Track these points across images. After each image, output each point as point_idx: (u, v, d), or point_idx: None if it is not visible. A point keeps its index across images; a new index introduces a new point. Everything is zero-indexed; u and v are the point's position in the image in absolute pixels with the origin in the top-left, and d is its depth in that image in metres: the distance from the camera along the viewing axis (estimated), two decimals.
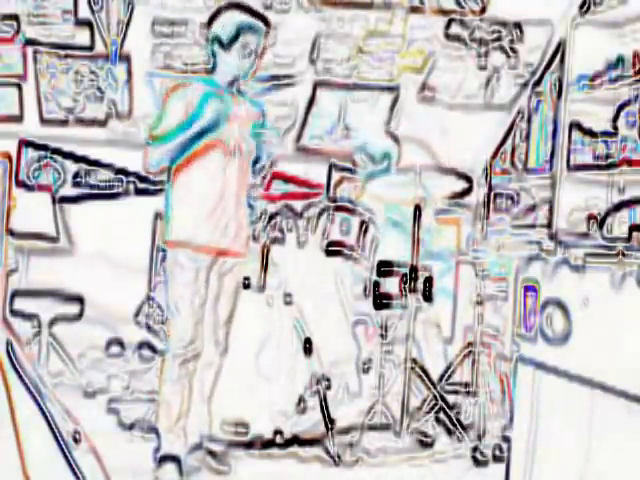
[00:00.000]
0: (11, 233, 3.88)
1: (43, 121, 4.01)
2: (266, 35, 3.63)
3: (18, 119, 3.99)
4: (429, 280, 3.96)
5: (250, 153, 3.66)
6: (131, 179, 4.06)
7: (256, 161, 3.79)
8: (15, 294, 3.92)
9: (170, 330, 3.56)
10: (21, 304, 3.92)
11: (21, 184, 3.98)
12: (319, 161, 4.22)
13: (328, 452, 3.75)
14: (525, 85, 4.26)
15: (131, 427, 3.81)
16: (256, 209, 3.87)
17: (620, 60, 3.82)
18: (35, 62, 3.97)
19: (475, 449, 3.88)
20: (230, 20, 3.56)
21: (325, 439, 3.78)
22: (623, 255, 3.11)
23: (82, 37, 3.98)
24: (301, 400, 3.92)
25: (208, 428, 3.69)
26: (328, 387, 3.92)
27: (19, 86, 3.98)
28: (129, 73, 4.01)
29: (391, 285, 3.97)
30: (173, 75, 3.97)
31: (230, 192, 3.54)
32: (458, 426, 3.99)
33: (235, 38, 3.51)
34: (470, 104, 4.25)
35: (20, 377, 3.63)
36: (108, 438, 3.64)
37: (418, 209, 3.95)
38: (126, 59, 4.00)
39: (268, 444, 3.83)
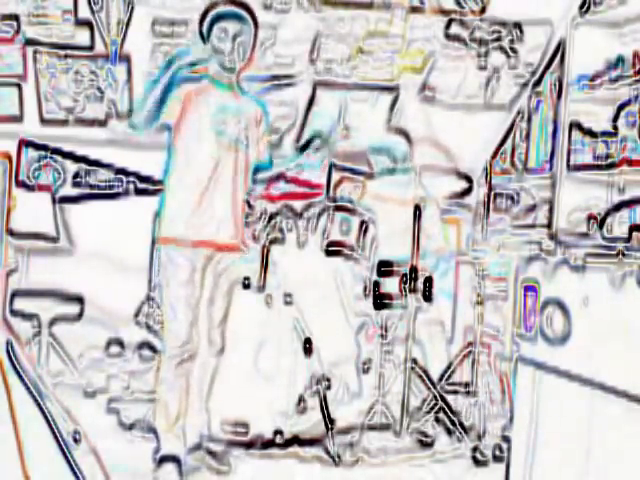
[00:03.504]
0: (11, 233, 3.89)
1: (43, 121, 4.01)
2: (255, 26, 3.66)
3: (18, 119, 3.99)
4: (429, 280, 3.96)
5: (253, 148, 3.66)
6: (131, 179, 4.06)
7: (266, 167, 3.79)
8: (15, 294, 3.92)
9: (165, 331, 3.56)
10: (21, 304, 3.92)
11: (21, 184, 3.98)
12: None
13: (328, 452, 3.75)
14: (525, 85, 4.25)
15: (131, 427, 3.81)
16: (256, 209, 3.87)
17: (620, 60, 3.82)
18: (35, 62, 3.96)
19: (475, 449, 3.88)
20: (207, 18, 3.64)
21: (325, 439, 3.78)
22: (623, 255, 3.11)
23: (82, 37, 3.98)
24: (301, 400, 3.92)
25: (208, 428, 3.69)
26: (328, 387, 3.92)
27: (19, 86, 3.97)
28: (129, 73, 4.01)
29: (391, 285, 3.97)
30: None
31: (221, 185, 3.53)
32: (458, 426, 3.99)
33: (210, 28, 3.56)
34: (470, 104, 4.25)
35: (20, 377, 3.63)
36: (108, 438, 3.64)
37: (418, 209, 3.95)
38: (126, 59, 4.00)
39: (268, 444, 3.83)
